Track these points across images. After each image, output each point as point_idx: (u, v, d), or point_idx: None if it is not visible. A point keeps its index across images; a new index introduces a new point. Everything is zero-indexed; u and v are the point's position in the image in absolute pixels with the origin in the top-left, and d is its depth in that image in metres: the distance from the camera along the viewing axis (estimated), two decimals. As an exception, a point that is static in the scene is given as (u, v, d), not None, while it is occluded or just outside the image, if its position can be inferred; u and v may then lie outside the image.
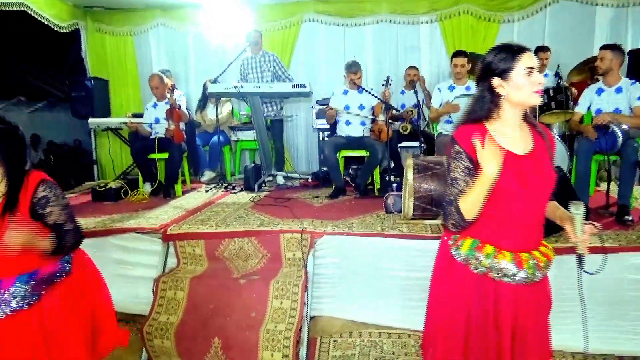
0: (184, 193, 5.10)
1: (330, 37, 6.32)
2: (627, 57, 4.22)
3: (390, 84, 4.72)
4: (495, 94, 1.69)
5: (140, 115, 5.56)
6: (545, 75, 5.34)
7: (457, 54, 4.62)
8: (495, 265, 1.70)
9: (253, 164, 5.28)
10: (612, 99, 3.97)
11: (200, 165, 5.95)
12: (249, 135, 5.98)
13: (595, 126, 3.87)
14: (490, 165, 1.56)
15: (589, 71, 4.60)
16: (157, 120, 5.12)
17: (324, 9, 6.16)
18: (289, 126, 6.38)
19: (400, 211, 3.89)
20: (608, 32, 5.66)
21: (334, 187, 4.73)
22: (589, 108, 4.15)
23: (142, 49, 6.74)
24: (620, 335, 2.98)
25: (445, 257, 1.81)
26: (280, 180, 5.61)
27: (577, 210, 1.52)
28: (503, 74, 1.66)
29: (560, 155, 4.55)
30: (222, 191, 5.17)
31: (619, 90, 3.96)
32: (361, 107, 4.85)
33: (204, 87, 6.10)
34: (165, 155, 4.97)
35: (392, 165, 4.90)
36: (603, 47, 3.97)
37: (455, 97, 4.40)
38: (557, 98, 4.63)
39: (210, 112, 6.09)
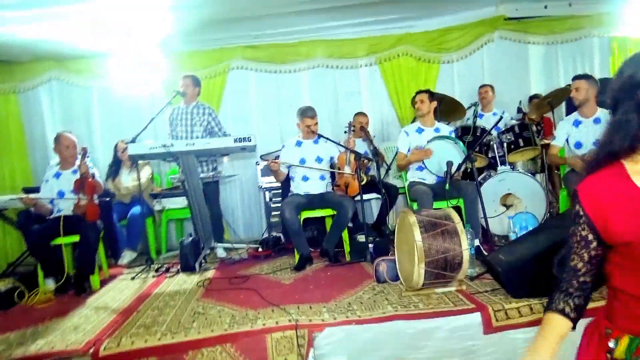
0: (102, 284, 3.94)
1: (262, 85, 5.68)
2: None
3: (353, 130, 4.15)
4: None
5: (35, 190, 4.37)
6: (494, 114, 5.18)
7: (419, 91, 4.19)
8: None
9: (190, 237, 4.30)
10: (591, 130, 3.76)
11: (118, 246, 4.79)
12: (176, 203, 5.02)
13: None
14: None
15: (548, 106, 4.44)
16: (61, 195, 3.99)
17: (254, 55, 5.54)
18: (222, 188, 5.51)
19: (395, 279, 3.21)
20: (542, 68, 5.73)
21: (299, 256, 3.93)
22: (566, 141, 3.92)
23: (30, 109, 5.52)
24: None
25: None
26: (221, 253, 4.67)
27: None
28: None
29: (537, 196, 4.25)
30: (154, 276, 4.11)
31: (597, 120, 3.76)
32: (319, 160, 4.19)
33: (115, 150, 5.08)
34: (75, 238, 3.84)
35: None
36: (577, 78, 3.80)
37: (428, 141, 3.91)
38: (524, 135, 4.38)
39: (125, 179, 5.04)
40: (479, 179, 4.52)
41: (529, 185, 4.25)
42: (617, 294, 1.25)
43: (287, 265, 4.02)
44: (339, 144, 4.13)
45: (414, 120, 4.88)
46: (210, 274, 4.03)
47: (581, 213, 1.24)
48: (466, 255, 2.80)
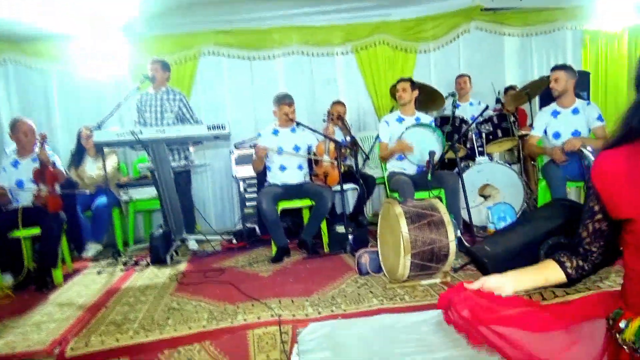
0: (65, 279, 3.71)
1: (235, 72, 5.48)
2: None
3: (332, 119, 4.03)
4: None
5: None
6: (470, 104, 5.15)
7: (401, 79, 4.09)
8: None
9: (161, 229, 4.09)
10: (569, 121, 3.78)
11: (82, 238, 4.52)
12: (144, 193, 4.79)
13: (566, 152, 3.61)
14: None
15: (526, 96, 4.44)
16: (20, 184, 3.71)
17: (226, 41, 5.32)
18: (193, 178, 5.29)
19: (377, 271, 3.12)
20: (516, 60, 5.77)
21: (276, 248, 3.80)
22: (544, 131, 3.92)
23: (-17, 94, 5.15)
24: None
25: (607, 342, 1.26)
26: (193, 245, 4.48)
27: None
28: None
29: (515, 187, 4.25)
30: (122, 269, 3.90)
31: (575, 111, 3.78)
32: (296, 149, 4.05)
33: (79, 137, 4.80)
34: (36, 230, 3.58)
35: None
36: (556, 68, 3.78)
37: (406, 128, 3.83)
38: (502, 126, 4.37)
39: (89, 168, 4.77)
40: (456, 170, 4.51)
41: (507, 176, 4.24)
42: (628, 272, 1.26)
43: (264, 257, 3.89)
44: (318, 132, 3.99)
45: (391, 110, 4.81)
46: (182, 267, 3.85)
47: (590, 184, 1.28)
48: (452, 246, 2.74)
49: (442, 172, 3.84)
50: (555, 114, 3.84)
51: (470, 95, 5.23)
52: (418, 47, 5.58)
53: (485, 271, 2.83)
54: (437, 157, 3.59)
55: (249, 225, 4.74)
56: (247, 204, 4.91)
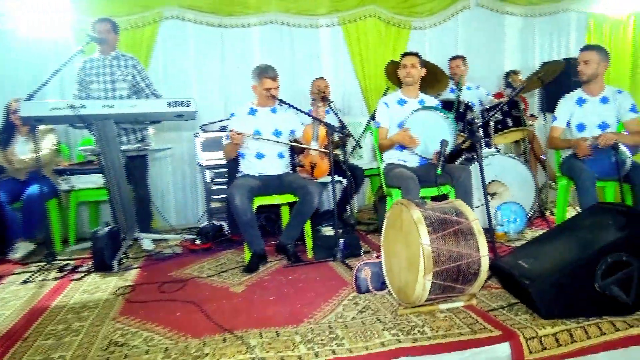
0: (-20, 290, 2.93)
1: (203, 41, 4.70)
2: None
3: (322, 99, 3.35)
4: None
5: None
6: (468, 89, 4.60)
7: (408, 53, 3.42)
8: None
9: (107, 227, 3.33)
10: (598, 111, 3.25)
11: (9, 235, 3.70)
12: (89, 182, 4.00)
13: (595, 148, 3.07)
14: None
15: (538, 81, 3.90)
16: None
17: (193, 3, 4.53)
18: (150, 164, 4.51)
19: (380, 288, 2.51)
20: (517, 43, 5.25)
21: (250, 253, 3.12)
22: (568, 123, 3.38)
23: None
24: None
25: None
26: (147, 245, 3.76)
27: None
28: None
29: (526, 184, 3.72)
30: (55, 278, 3.13)
31: (604, 100, 3.25)
32: (277, 133, 3.36)
33: (7, 111, 3.95)
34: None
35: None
36: (586, 48, 3.24)
37: (412, 112, 3.18)
38: (513, 114, 3.82)
39: (21, 149, 3.94)
40: (459, 162, 3.95)
41: (518, 171, 3.70)
42: None
43: (235, 264, 3.23)
44: (305, 113, 3.30)
45: (385, 92, 4.16)
46: (133, 275, 3.13)
47: None
48: (485, 262, 2.14)
49: (452, 166, 3.23)
50: (581, 102, 3.31)
51: (466, 78, 4.67)
52: (412, 23, 4.96)
53: (520, 293, 2.26)
54: (449, 147, 2.97)
55: (215, 222, 4.02)
56: (214, 197, 4.18)
